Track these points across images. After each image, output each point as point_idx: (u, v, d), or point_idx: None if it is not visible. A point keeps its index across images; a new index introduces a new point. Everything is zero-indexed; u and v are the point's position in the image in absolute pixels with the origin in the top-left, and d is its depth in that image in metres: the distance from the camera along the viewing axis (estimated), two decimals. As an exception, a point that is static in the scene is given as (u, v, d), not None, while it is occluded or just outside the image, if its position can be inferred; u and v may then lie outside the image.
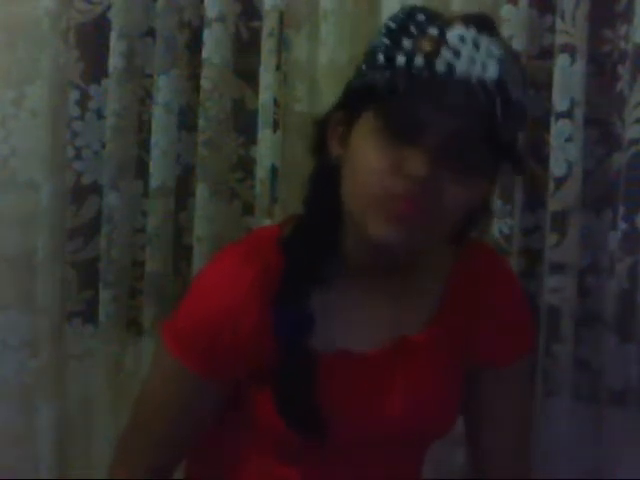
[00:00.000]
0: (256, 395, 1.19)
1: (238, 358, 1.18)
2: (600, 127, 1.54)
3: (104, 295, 1.74)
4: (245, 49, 1.68)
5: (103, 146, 1.74)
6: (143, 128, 1.73)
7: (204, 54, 1.63)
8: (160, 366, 1.24)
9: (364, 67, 1.14)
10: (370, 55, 1.13)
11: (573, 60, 1.47)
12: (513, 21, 1.49)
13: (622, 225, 1.48)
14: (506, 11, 1.49)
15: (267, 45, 1.60)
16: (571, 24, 1.47)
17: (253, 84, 1.66)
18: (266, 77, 1.61)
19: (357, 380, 1.20)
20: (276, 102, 1.61)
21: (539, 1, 1.53)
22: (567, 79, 1.48)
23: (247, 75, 1.68)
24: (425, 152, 1.07)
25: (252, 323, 1.16)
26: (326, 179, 1.17)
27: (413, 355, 1.22)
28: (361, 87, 1.13)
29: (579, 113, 1.49)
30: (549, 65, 1.51)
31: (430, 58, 1.06)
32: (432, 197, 1.08)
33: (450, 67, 1.05)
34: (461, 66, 1.05)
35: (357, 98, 1.14)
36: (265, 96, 1.61)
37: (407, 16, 1.11)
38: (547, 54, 1.53)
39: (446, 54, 1.06)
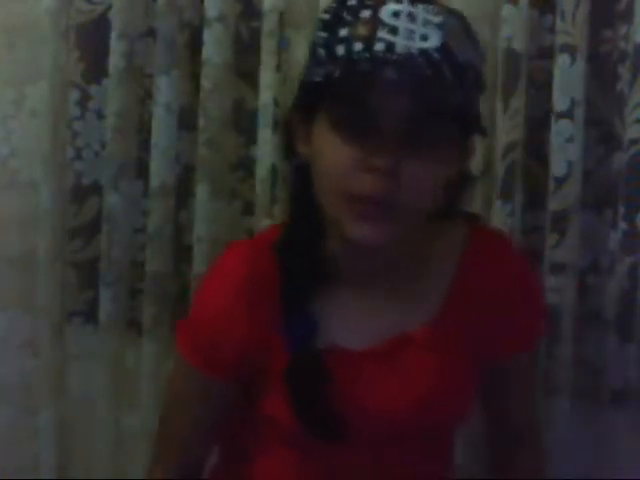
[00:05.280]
0: (267, 397, 1.20)
1: (236, 359, 1.19)
2: (600, 127, 1.54)
3: (104, 295, 1.74)
4: (245, 49, 1.67)
5: (103, 146, 1.74)
6: (143, 128, 1.72)
7: (204, 54, 1.63)
8: (175, 362, 1.27)
9: (308, 65, 1.12)
10: (312, 51, 1.11)
11: (573, 60, 1.47)
12: (513, 21, 1.49)
13: (622, 225, 1.48)
14: (506, 11, 1.49)
15: (267, 45, 1.60)
16: (571, 24, 1.47)
17: (253, 84, 1.66)
18: (266, 77, 1.61)
19: (355, 378, 1.19)
20: (276, 102, 1.61)
21: (539, 1, 1.53)
22: (567, 79, 1.48)
23: (247, 75, 1.68)
24: (383, 138, 1.05)
25: (242, 326, 1.17)
26: (301, 180, 1.15)
27: (413, 350, 1.21)
28: (308, 85, 1.12)
29: (579, 113, 1.49)
30: (549, 65, 1.51)
31: (368, 41, 1.03)
32: (399, 184, 1.06)
33: (389, 45, 1.03)
34: (400, 42, 1.03)
35: (308, 97, 1.12)
36: (265, 96, 1.61)
37: (339, 4, 1.09)
38: (547, 54, 1.52)
39: (382, 34, 1.03)
